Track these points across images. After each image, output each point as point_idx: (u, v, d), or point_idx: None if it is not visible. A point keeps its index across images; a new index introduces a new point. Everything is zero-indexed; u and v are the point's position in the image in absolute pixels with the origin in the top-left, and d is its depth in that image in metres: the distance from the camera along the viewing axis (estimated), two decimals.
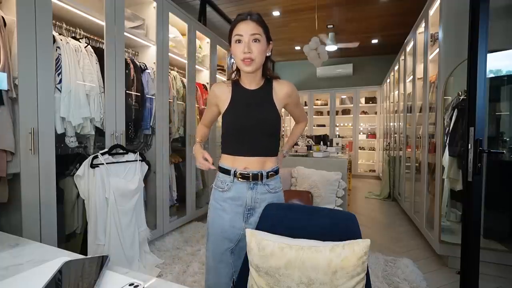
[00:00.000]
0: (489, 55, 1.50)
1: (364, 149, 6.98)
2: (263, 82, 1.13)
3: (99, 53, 1.94)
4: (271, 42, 1.10)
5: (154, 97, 2.48)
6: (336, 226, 0.96)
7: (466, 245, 1.56)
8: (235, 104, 1.10)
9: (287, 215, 1.03)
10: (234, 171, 1.07)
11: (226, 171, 1.10)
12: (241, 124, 1.07)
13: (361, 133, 6.94)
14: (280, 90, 1.13)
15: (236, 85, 1.13)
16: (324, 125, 7.24)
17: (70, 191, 1.85)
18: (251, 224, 1.08)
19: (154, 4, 2.49)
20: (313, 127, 7.30)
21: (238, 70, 1.13)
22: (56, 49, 1.67)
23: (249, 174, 1.06)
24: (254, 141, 1.07)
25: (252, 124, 1.06)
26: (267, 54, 1.09)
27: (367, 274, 0.85)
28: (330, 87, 7.20)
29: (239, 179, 1.07)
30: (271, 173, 1.11)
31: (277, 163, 1.15)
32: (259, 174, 1.07)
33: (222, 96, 1.13)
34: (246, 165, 1.07)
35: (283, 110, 1.23)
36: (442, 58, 2.35)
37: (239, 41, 1.03)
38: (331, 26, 5.20)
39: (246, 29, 1.02)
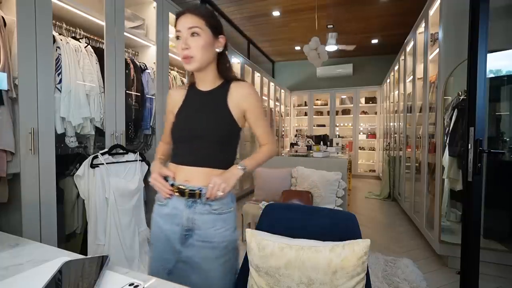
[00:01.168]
0: (489, 55, 1.50)
1: (364, 149, 6.98)
2: (220, 83, 0.99)
3: (99, 53, 1.94)
4: (221, 36, 0.95)
5: (154, 97, 2.48)
6: (336, 226, 0.96)
7: (466, 245, 1.56)
8: (184, 107, 1.00)
9: (287, 215, 1.03)
10: (172, 184, 0.93)
11: (166, 180, 0.96)
12: (186, 129, 0.95)
13: (361, 133, 6.94)
14: (236, 92, 0.96)
15: (192, 87, 1.02)
16: (324, 125, 7.24)
17: (70, 191, 1.85)
18: (189, 247, 0.91)
19: (154, 4, 2.49)
20: (313, 127, 7.30)
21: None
22: (56, 49, 1.66)
23: (185, 190, 0.90)
24: (198, 149, 0.93)
25: (197, 129, 0.93)
26: (218, 50, 0.95)
27: (367, 274, 0.85)
28: (330, 87, 7.20)
29: (175, 193, 0.92)
30: None
31: None
32: (197, 191, 0.90)
33: (177, 99, 1.02)
34: (187, 177, 0.92)
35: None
36: (442, 58, 2.35)
37: (178, 37, 0.93)
38: (331, 26, 5.21)
39: (183, 23, 0.90)
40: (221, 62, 0.98)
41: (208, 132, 0.92)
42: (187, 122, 0.96)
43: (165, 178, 0.95)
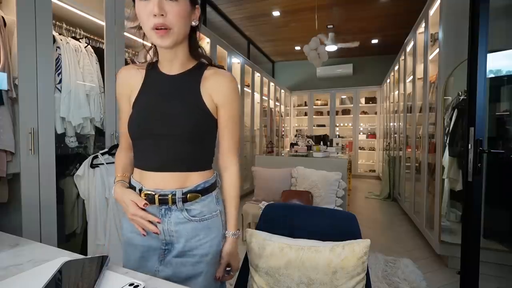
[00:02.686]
0: (489, 55, 1.50)
1: (364, 149, 6.98)
2: (192, 66, 0.79)
3: (99, 53, 1.94)
4: (197, 6, 0.74)
5: None
6: (336, 226, 0.96)
7: (466, 245, 1.56)
8: (145, 95, 0.77)
9: (287, 215, 1.03)
10: (140, 190, 0.75)
11: (133, 189, 0.77)
12: (147, 124, 0.74)
13: (361, 133, 6.94)
14: (212, 80, 0.77)
15: (152, 69, 0.80)
16: (324, 125, 7.24)
17: (70, 191, 1.85)
18: (168, 265, 0.75)
19: None
20: (313, 127, 7.30)
21: (155, 47, 0.79)
22: (56, 49, 1.66)
23: (154, 196, 0.73)
24: (167, 150, 0.74)
25: (165, 124, 0.73)
26: (193, 23, 0.74)
27: (367, 274, 0.85)
28: (330, 87, 7.20)
29: (145, 200, 0.74)
30: (193, 193, 0.75)
31: (209, 176, 0.79)
32: (169, 196, 0.73)
33: (132, 83, 0.80)
34: (157, 185, 0.74)
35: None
36: (442, 58, 2.35)
37: None
38: (331, 26, 5.21)
39: None
40: (194, 40, 0.78)
41: (180, 128, 0.72)
42: (151, 114, 0.74)
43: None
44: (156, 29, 0.67)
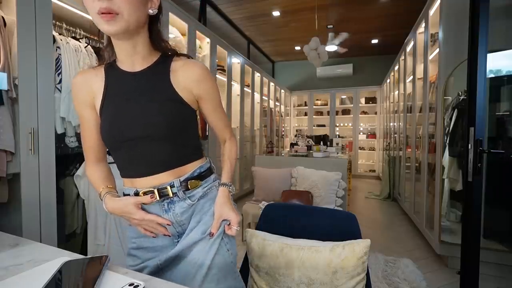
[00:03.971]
0: (489, 55, 1.50)
1: (364, 149, 6.98)
2: (156, 59, 0.73)
3: (99, 53, 1.94)
4: None
5: None
6: (336, 226, 0.96)
7: (466, 245, 1.56)
8: (109, 100, 0.71)
9: (287, 215, 1.03)
10: (136, 192, 0.73)
11: (127, 195, 0.76)
12: (122, 130, 0.69)
13: (361, 133, 6.94)
14: (184, 72, 0.72)
15: (111, 68, 0.73)
16: (324, 125, 7.24)
17: (70, 191, 1.85)
18: (190, 230, 0.75)
19: None
20: (313, 127, 7.30)
21: (112, 43, 0.71)
22: (56, 49, 1.66)
23: (153, 191, 0.71)
24: (148, 155, 0.71)
25: (138, 128, 0.68)
26: (151, 12, 0.67)
27: (367, 274, 0.85)
28: (330, 87, 7.20)
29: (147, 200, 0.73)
30: (192, 180, 0.74)
31: (202, 161, 0.79)
32: (168, 187, 0.72)
33: (93, 88, 0.73)
34: (153, 184, 0.73)
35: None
36: (442, 58, 2.35)
37: None
38: (331, 26, 5.21)
39: None
40: (155, 30, 0.72)
41: (156, 127, 0.68)
42: (122, 119, 0.69)
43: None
44: (102, 13, 0.60)
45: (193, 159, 0.77)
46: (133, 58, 0.71)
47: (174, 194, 0.73)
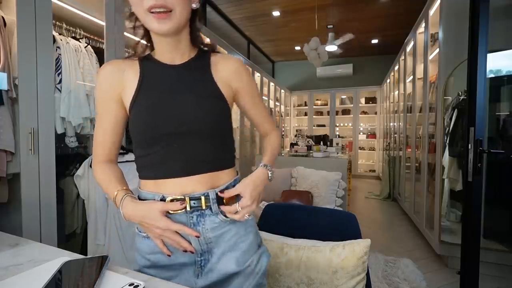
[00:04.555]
0: (489, 55, 1.50)
1: (364, 149, 6.98)
2: (195, 54, 0.71)
3: (99, 53, 1.94)
4: None
5: None
6: (336, 226, 0.96)
7: (466, 245, 1.56)
8: (147, 92, 0.66)
9: (287, 215, 1.03)
10: (162, 198, 0.64)
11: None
12: (162, 124, 0.63)
13: (361, 133, 6.94)
14: (223, 66, 0.70)
15: (146, 60, 0.69)
16: (324, 125, 7.24)
17: (70, 191, 1.85)
18: (209, 273, 0.67)
19: None
20: (313, 127, 7.30)
21: (148, 36, 0.69)
22: (56, 49, 1.67)
23: (184, 199, 0.63)
24: (190, 150, 0.65)
25: (181, 122, 0.63)
26: (194, 6, 0.65)
27: (367, 274, 0.85)
28: (330, 87, 7.20)
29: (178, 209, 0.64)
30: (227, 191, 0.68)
31: (234, 174, 0.72)
32: (202, 197, 0.64)
33: (122, 81, 0.67)
34: (183, 190, 0.65)
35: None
36: (442, 58, 2.35)
37: None
38: (331, 26, 5.21)
39: None
40: (195, 25, 0.69)
41: (200, 123, 0.64)
42: (163, 113, 0.64)
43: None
44: (154, 10, 0.57)
45: (229, 165, 0.71)
46: (173, 53, 0.68)
47: (208, 206, 0.65)
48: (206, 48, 0.73)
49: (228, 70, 0.70)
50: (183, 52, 0.69)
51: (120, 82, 0.67)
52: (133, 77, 0.67)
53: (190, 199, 0.64)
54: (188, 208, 0.64)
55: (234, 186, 0.69)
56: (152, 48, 0.70)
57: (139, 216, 0.63)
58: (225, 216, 0.66)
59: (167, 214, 0.63)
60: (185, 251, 0.64)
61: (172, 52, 0.67)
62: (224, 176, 0.69)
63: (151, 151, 0.65)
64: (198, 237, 0.64)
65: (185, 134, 0.64)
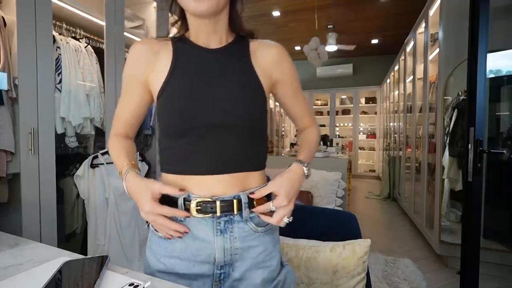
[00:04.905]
0: (489, 55, 1.50)
1: (364, 149, 6.98)
2: (233, 38, 0.65)
3: (99, 53, 1.94)
4: None
5: None
6: (336, 226, 0.96)
7: (466, 245, 1.56)
8: (179, 76, 0.59)
9: None
10: (185, 199, 0.57)
11: (170, 201, 0.58)
12: (193, 114, 0.57)
13: (361, 133, 6.94)
14: (263, 53, 0.64)
15: (180, 42, 0.63)
16: (324, 125, 7.24)
17: (70, 191, 1.85)
18: (246, 272, 0.61)
19: (154, 4, 2.49)
20: None
21: (183, 16, 0.63)
22: (56, 49, 1.67)
23: (214, 202, 0.57)
24: (222, 146, 0.58)
25: (216, 112, 0.57)
26: None
27: (367, 274, 0.85)
28: (330, 87, 7.20)
29: (197, 212, 0.57)
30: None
31: (265, 178, 0.66)
32: (233, 200, 0.57)
33: (153, 61, 0.61)
34: (212, 191, 0.58)
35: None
36: (442, 58, 2.35)
37: None
38: (331, 26, 5.21)
39: None
40: (235, 9, 0.63)
41: (237, 114, 0.57)
42: (198, 100, 0.57)
43: (167, 199, 0.57)
44: None
45: (261, 167, 0.64)
46: (210, 36, 0.62)
47: (239, 211, 0.58)
48: (244, 34, 0.66)
49: (269, 58, 0.64)
50: (221, 36, 0.62)
51: (150, 64, 0.61)
52: (166, 60, 0.61)
53: (222, 202, 0.57)
54: (218, 213, 0.57)
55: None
56: (186, 29, 0.64)
57: (134, 193, 0.58)
58: (256, 225, 0.60)
59: (196, 212, 0.57)
60: (181, 236, 0.58)
61: (208, 35, 0.61)
62: (256, 178, 0.62)
63: (178, 143, 0.59)
64: (186, 233, 0.58)
65: (218, 127, 0.57)
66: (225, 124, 0.57)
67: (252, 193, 0.59)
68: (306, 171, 0.63)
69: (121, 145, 0.67)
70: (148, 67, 0.61)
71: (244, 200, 0.58)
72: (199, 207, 0.56)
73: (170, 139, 0.60)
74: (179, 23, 0.64)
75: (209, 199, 0.57)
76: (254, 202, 0.59)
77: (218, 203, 0.56)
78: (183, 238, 0.59)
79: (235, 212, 0.58)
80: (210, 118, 0.57)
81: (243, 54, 0.63)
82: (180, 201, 0.57)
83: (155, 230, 0.62)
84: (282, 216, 0.58)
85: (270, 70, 0.64)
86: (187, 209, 0.57)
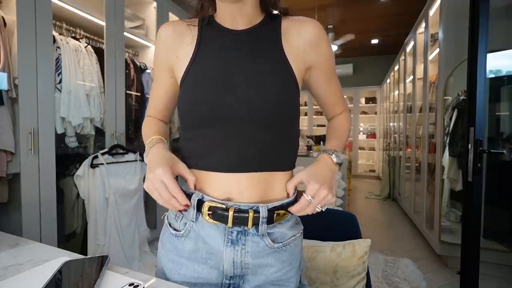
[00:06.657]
0: (489, 55, 1.50)
1: (364, 149, 6.98)
2: (262, 19, 0.58)
3: (99, 53, 1.94)
4: None
5: None
6: (336, 226, 0.96)
7: (466, 245, 1.56)
8: (203, 61, 0.54)
9: None
10: (199, 201, 0.52)
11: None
12: (218, 103, 0.51)
13: (361, 133, 6.94)
14: (298, 34, 0.56)
15: (207, 24, 0.58)
16: (324, 125, 7.24)
17: (70, 191, 1.85)
18: None
19: (154, 4, 2.49)
20: (313, 127, 7.30)
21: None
22: (56, 49, 1.67)
23: (227, 210, 0.51)
24: (248, 140, 0.52)
25: (243, 103, 0.51)
26: None
27: (367, 274, 0.85)
28: None
29: (209, 217, 0.52)
30: (280, 211, 0.53)
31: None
32: (251, 213, 0.51)
33: (180, 46, 0.57)
34: (229, 192, 0.52)
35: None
36: (442, 58, 2.35)
37: None
38: (331, 26, 5.21)
39: None
40: None
41: (263, 107, 0.51)
42: (222, 89, 0.52)
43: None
44: None
45: (287, 167, 0.57)
46: (237, 17, 0.55)
47: (255, 224, 0.51)
48: (276, 12, 0.59)
49: (303, 40, 0.56)
50: (249, 16, 0.56)
51: (175, 49, 0.57)
52: (190, 44, 0.56)
53: (236, 211, 0.50)
54: (230, 224, 0.50)
55: (292, 200, 0.55)
56: (215, 9, 0.59)
57: (152, 160, 0.51)
58: (273, 240, 0.53)
59: (209, 216, 0.52)
60: (181, 211, 0.52)
61: (235, 15, 0.55)
62: (281, 181, 0.55)
63: (195, 135, 0.54)
64: (188, 206, 0.51)
65: (241, 119, 0.51)
66: (246, 116, 0.51)
67: (282, 207, 0.53)
68: (335, 159, 0.56)
69: (151, 123, 0.63)
70: (174, 52, 0.58)
71: (263, 214, 0.51)
72: (210, 212, 0.51)
73: (186, 131, 0.57)
74: (204, 4, 0.59)
75: (222, 205, 0.51)
76: (275, 216, 0.52)
77: (231, 213, 0.50)
78: (191, 239, 0.54)
79: (249, 227, 0.51)
80: (229, 110, 0.51)
81: (273, 36, 0.56)
82: (194, 202, 0.52)
83: (168, 220, 0.60)
84: (316, 205, 0.51)
85: (304, 53, 0.56)
86: (202, 214, 0.52)
